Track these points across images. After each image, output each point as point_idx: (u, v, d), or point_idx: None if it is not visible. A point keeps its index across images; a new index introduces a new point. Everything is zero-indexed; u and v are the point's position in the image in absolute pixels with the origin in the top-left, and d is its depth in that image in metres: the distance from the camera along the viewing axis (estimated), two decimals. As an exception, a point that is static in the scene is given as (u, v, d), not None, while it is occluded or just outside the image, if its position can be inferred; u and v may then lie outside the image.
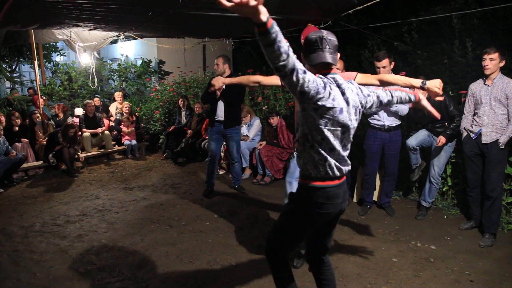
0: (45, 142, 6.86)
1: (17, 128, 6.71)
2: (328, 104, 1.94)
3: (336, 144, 2.05)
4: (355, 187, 5.05)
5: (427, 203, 4.44)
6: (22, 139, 6.72)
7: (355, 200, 5.01)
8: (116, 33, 6.65)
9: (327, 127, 1.99)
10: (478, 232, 4.02)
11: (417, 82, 2.66)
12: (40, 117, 7.24)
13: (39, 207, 5.04)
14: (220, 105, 5.01)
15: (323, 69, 2.08)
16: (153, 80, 10.64)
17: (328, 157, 2.05)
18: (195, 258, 3.63)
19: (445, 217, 4.48)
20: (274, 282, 2.44)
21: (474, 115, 3.89)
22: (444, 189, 4.75)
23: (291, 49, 1.73)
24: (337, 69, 3.39)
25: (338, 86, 2.03)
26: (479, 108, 3.80)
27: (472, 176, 3.97)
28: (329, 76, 2.06)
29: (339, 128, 2.03)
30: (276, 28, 1.65)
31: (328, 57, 2.03)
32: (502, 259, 3.51)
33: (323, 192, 2.07)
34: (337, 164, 2.09)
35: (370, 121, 4.41)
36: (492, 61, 3.61)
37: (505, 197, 4.16)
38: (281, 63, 1.72)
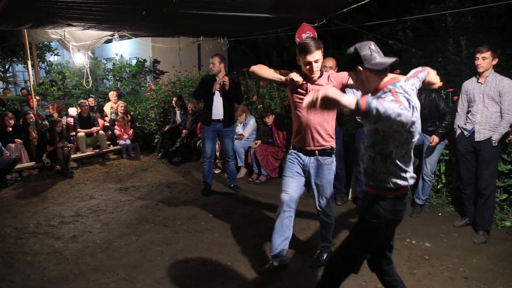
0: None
1: (10, 129, 6.66)
2: (414, 118, 1.94)
3: (412, 154, 2.13)
4: (350, 185, 5.06)
5: (420, 200, 4.46)
6: (16, 139, 6.67)
7: (350, 198, 5.01)
8: (110, 33, 6.62)
9: (412, 140, 2.06)
10: (472, 229, 4.04)
11: None
12: (33, 118, 7.20)
13: (33, 208, 5.01)
14: (217, 103, 5.00)
15: (385, 73, 2.07)
16: (148, 79, 10.59)
17: (408, 169, 2.12)
18: (191, 258, 3.62)
19: (440, 214, 4.50)
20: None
21: (467, 113, 3.90)
22: (438, 187, 4.77)
23: (400, 106, 1.77)
24: (330, 67, 3.39)
25: (406, 93, 2.01)
26: (472, 106, 3.81)
27: (466, 173, 3.99)
28: (398, 85, 2.03)
29: (417, 137, 2.08)
30: (373, 105, 1.71)
31: (388, 59, 2.04)
32: (496, 255, 3.53)
33: (402, 200, 2.16)
34: (412, 173, 2.15)
35: (359, 119, 4.43)
36: (484, 60, 3.63)
37: (499, 194, 4.18)
38: (399, 126, 1.82)
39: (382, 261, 2.39)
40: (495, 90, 3.63)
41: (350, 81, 2.91)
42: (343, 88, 3.04)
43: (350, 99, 1.73)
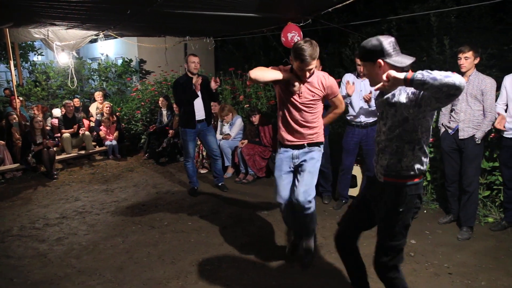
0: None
1: (-8, 130, 6.56)
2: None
3: None
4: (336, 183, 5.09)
5: None
6: (-1, 141, 6.57)
7: (336, 197, 5.04)
8: (95, 32, 6.54)
9: (431, 125, 2.21)
10: (457, 225, 4.10)
11: None
12: (17, 118, 7.08)
13: (17, 211, 4.93)
14: (198, 104, 4.99)
15: (403, 70, 2.08)
16: (134, 79, 10.51)
17: (427, 152, 2.24)
18: (177, 258, 3.61)
19: (425, 212, 4.55)
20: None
21: (451, 111, 3.96)
22: (423, 184, 4.83)
23: (446, 73, 1.84)
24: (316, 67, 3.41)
25: None
26: (456, 105, 3.87)
27: (450, 171, 4.05)
28: None
29: None
30: (418, 75, 1.86)
31: (409, 59, 2.12)
32: (479, 251, 3.59)
33: (421, 184, 2.29)
34: None
35: (348, 118, 4.48)
36: (467, 60, 3.68)
37: (482, 191, 4.24)
38: (451, 87, 1.82)
39: (357, 240, 2.56)
40: (477, 89, 3.69)
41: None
42: (324, 99, 3.19)
43: (398, 74, 1.94)
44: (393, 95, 2.15)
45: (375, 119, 4.41)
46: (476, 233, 3.92)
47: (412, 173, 2.21)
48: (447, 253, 3.57)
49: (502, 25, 5.64)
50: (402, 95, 2.10)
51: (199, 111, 5.01)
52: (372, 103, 4.25)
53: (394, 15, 6.26)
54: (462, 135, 3.80)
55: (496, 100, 3.78)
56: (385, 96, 2.20)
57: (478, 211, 4.15)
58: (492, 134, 4.04)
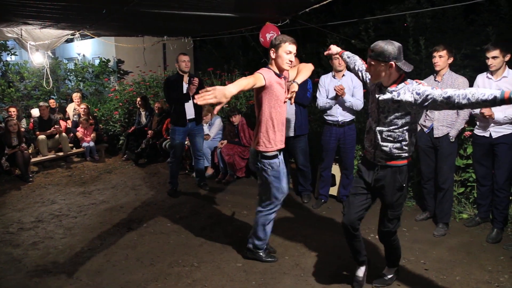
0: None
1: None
2: None
3: None
4: (316, 183, 5.13)
5: None
6: (-30, 144, 6.37)
7: (316, 195, 5.08)
8: (70, 32, 6.40)
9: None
10: (433, 222, 4.19)
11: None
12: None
13: (-10, 215, 4.79)
14: (189, 103, 5.00)
15: (405, 74, 2.53)
16: (112, 80, 10.35)
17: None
18: (156, 260, 3.57)
19: (402, 209, 4.62)
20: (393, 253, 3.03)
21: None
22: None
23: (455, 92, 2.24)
24: (294, 66, 3.45)
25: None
26: (430, 104, 3.94)
27: (426, 169, 4.13)
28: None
29: None
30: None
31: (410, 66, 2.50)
32: (454, 247, 3.68)
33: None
34: None
35: (325, 117, 4.53)
36: (441, 58, 3.77)
37: (456, 188, 4.35)
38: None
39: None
40: (451, 87, 3.77)
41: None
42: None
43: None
44: (398, 94, 2.51)
45: (352, 117, 4.48)
46: (451, 229, 4.02)
47: (408, 155, 2.68)
48: (424, 249, 3.65)
49: (474, 27, 5.78)
50: (406, 94, 2.47)
51: (190, 110, 5.01)
52: (347, 97, 4.31)
53: (371, 16, 6.34)
54: (437, 133, 3.89)
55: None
56: (391, 95, 2.54)
57: (453, 207, 4.25)
58: (466, 133, 4.14)
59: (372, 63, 2.54)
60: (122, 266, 3.49)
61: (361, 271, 3.07)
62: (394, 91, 2.53)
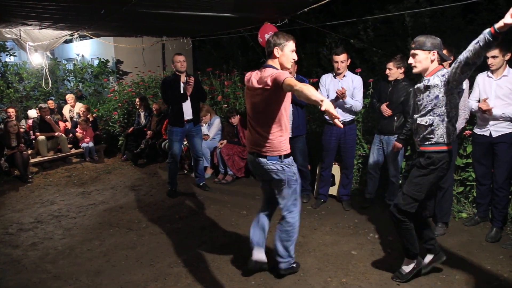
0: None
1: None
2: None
3: None
4: (315, 182, 5.13)
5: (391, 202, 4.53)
6: (-30, 144, 6.36)
7: (315, 195, 5.08)
8: (69, 32, 6.40)
9: (458, 103, 2.86)
10: (432, 222, 4.18)
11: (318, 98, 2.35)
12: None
13: (-11, 216, 4.79)
14: (186, 104, 4.99)
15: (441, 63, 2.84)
16: (111, 80, 10.34)
17: (455, 126, 2.88)
18: (156, 260, 3.57)
19: (402, 208, 4.62)
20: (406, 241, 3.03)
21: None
22: (400, 182, 4.90)
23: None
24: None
25: None
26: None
27: (425, 168, 4.11)
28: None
29: None
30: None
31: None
32: (453, 246, 3.68)
33: (450, 152, 2.87)
34: None
35: (326, 117, 4.51)
36: (441, 57, 3.76)
37: (456, 187, 4.35)
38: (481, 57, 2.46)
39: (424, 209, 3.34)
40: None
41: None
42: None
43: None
44: (428, 80, 2.78)
45: (352, 117, 4.47)
46: (451, 228, 4.02)
47: (446, 140, 2.79)
48: (424, 249, 3.63)
49: (473, 26, 5.78)
50: (435, 79, 2.74)
51: (187, 111, 5.00)
52: (348, 99, 4.30)
53: (370, 15, 6.34)
54: (437, 132, 3.88)
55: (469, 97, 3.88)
56: (423, 83, 2.81)
57: (453, 207, 4.24)
58: (466, 132, 4.14)
59: (416, 53, 2.79)
60: (122, 266, 3.48)
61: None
62: (427, 79, 2.81)
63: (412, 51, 2.82)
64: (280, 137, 2.88)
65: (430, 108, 2.79)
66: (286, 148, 2.93)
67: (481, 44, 2.37)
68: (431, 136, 2.82)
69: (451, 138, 2.82)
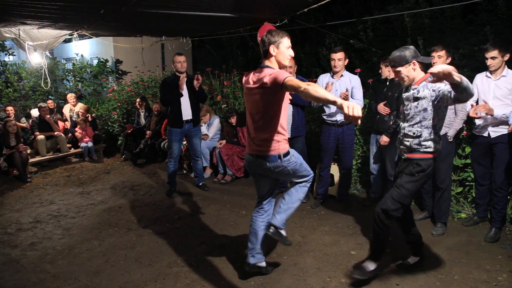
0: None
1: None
2: None
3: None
4: (314, 182, 5.13)
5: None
6: (-32, 144, 6.35)
7: (314, 195, 5.08)
8: (68, 32, 6.39)
9: (445, 115, 2.88)
10: (431, 222, 4.19)
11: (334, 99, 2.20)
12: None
13: (-12, 216, 4.78)
14: (185, 104, 4.97)
15: (427, 68, 2.71)
16: (110, 80, 10.33)
17: (440, 136, 2.93)
18: (155, 260, 3.57)
19: (401, 209, 4.63)
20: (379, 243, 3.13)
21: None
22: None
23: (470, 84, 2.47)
24: (290, 67, 3.42)
25: None
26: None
27: (424, 168, 4.12)
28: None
29: None
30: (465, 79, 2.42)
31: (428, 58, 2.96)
32: (452, 246, 3.68)
33: (434, 160, 2.93)
34: None
35: (324, 117, 4.53)
36: (440, 58, 3.77)
37: (454, 188, 4.35)
38: (470, 97, 2.54)
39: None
40: (449, 87, 3.77)
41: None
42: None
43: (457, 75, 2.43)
44: (418, 91, 2.82)
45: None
46: (450, 228, 4.02)
47: (431, 150, 2.85)
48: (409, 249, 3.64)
49: (473, 26, 5.79)
50: (425, 91, 2.77)
51: (186, 111, 5.00)
52: (349, 100, 4.30)
53: (369, 16, 6.35)
54: (435, 133, 3.89)
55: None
56: (412, 92, 2.85)
57: (451, 207, 4.26)
58: (464, 132, 4.15)
59: (397, 70, 2.84)
60: (121, 266, 3.48)
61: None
62: (415, 88, 2.84)
63: (393, 70, 2.88)
64: (279, 136, 2.85)
65: (418, 120, 2.85)
66: (285, 147, 2.88)
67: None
68: (418, 147, 2.88)
69: (437, 147, 2.89)
